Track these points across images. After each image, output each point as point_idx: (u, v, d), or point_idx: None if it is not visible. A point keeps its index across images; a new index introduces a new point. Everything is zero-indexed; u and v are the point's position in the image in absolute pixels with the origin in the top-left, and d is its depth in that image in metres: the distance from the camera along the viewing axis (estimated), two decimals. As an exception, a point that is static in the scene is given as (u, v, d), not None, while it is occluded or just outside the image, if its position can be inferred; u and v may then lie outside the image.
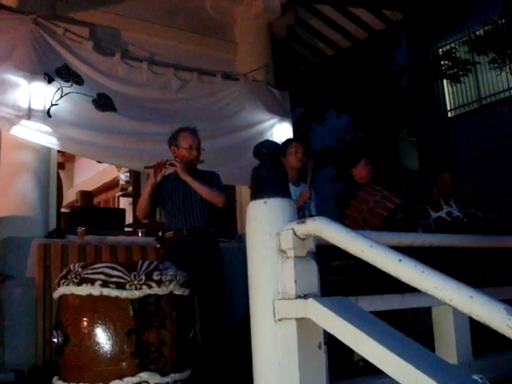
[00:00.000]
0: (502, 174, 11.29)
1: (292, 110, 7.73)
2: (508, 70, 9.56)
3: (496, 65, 9.10)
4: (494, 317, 1.63)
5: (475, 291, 1.71)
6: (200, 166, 4.28)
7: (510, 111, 11.58)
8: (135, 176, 7.29)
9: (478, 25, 11.17)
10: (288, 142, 5.01)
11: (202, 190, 4.12)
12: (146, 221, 5.90)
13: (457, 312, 2.68)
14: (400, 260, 1.93)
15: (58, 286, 3.03)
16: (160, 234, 4.37)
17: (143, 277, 2.90)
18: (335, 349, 2.42)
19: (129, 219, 7.38)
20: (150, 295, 2.88)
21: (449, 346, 2.98)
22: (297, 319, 2.23)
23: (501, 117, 11.75)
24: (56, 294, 3.04)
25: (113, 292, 2.81)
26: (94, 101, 5.71)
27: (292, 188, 4.18)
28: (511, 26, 8.51)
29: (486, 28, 9.54)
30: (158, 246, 4.66)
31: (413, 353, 1.86)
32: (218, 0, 7.20)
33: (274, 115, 7.01)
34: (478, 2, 10.79)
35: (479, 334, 2.95)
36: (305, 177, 4.66)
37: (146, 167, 4.12)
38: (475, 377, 1.88)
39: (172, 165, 4.08)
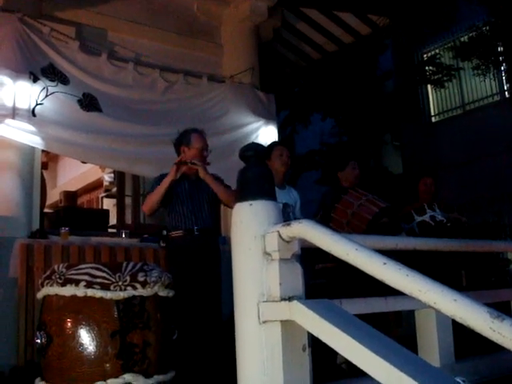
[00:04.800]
0: (485, 178, 11.40)
1: (277, 112, 7.73)
2: (491, 76, 9.67)
3: (480, 71, 9.20)
4: (477, 319, 1.64)
5: (459, 294, 1.72)
6: None
7: (492, 117, 11.70)
8: (119, 177, 7.26)
9: (462, 31, 11.29)
10: (273, 145, 5.03)
11: (220, 190, 4.24)
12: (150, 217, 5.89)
13: (440, 315, 2.71)
14: (385, 263, 1.94)
15: (42, 287, 3.01)
16: (164, 233, 4.43)
17: (128, 278, 2.89)
18: (319, 351, 2.43)
19: (113, 220, 7.35)
20: (134, 296, 2.88)
21: (431, 348, 3.00)
22: (281, 321, 2.23)
23: (484, 122, 11.89)
24: (40, 295, 3.03)
25: (97, 293, 2.80)
26: (79, 101, 5.66)
27: (277, 191, 4.20)
28: (495, 32, 8.59)
29: (471, 34, 9.65)
30: (163, 244, 4.81)
31: (396, 355, 1.87)
32: (204, 2, 7.19)
33: (259, 118, 7.00)
34: (463, 9, 10.89)
35: (460, 337, 2.98)
36: (291, 180, 4.68)
37: (175, 163, 4.17)
38: (458, 379, 1.89)
39: (193, 164, 4.18)
